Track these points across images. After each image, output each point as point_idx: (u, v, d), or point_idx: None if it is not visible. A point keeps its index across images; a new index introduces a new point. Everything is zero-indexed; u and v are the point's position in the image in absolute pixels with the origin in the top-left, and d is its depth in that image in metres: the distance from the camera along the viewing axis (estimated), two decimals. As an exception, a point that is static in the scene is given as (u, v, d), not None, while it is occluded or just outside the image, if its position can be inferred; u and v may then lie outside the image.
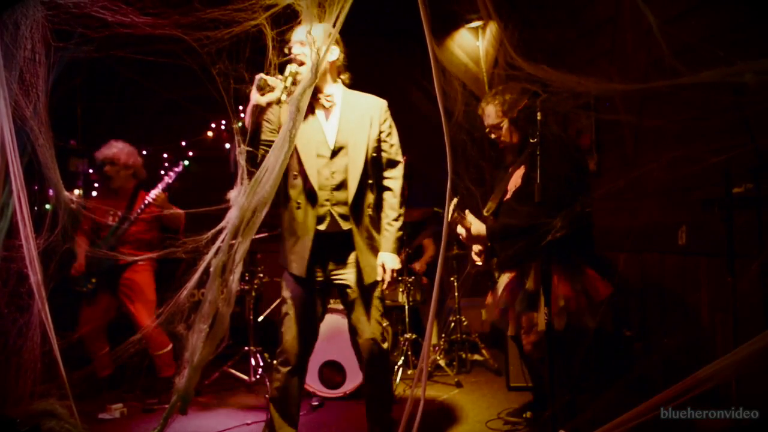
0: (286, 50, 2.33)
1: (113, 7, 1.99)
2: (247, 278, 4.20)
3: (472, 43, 5.39)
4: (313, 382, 3.69)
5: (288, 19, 2.13)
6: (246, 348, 4.18)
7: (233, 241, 1.94)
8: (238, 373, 4.14)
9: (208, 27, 2.05)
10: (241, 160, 2.15)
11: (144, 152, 4.41)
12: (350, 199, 2.53)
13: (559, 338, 2.43)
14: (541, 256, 2.28)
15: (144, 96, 4.49)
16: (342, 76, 2.66)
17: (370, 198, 2.62)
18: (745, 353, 1.32)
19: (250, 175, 2.02)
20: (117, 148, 3.83)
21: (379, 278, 2.55)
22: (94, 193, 5.22)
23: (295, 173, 2.55)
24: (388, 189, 2.67)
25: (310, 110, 2.58)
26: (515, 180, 2.77)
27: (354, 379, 3.70)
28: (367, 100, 2.66)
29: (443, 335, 4.62)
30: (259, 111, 2.38)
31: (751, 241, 2.25)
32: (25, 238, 2.17)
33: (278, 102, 2.30)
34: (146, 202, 3.66)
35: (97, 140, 3.99)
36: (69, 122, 5.29)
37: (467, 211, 2.74)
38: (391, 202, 2.65)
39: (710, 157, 2.04)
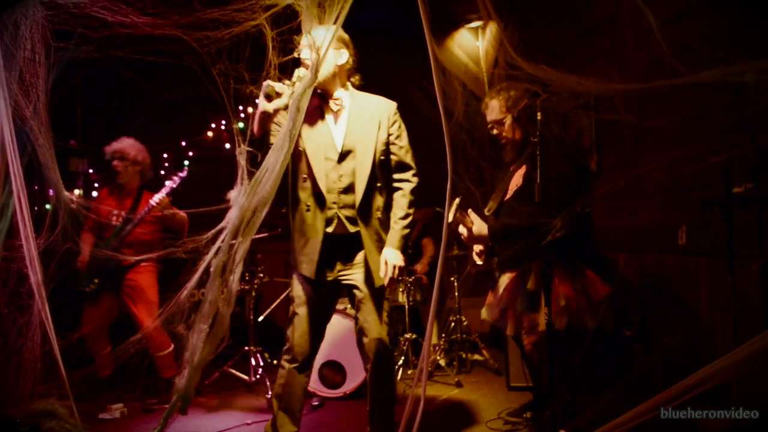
0: (296, 54, 2.32)
1: (113, 7, 1.99)
2: (247, 278, 4.20)
3: (472, 43, 5.39)
4: (313, 382, 3.69)
5: (288, 19, 2.13)
6: (246, 348, 4.18)
7: (233, 241, 1.95)
8: (238, 373, 4.14)
9: (208, 27, 2.05)
10: (242, 160, 2.15)
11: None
12: (358, 203, 2.54)
13: (559, 338, 2.43)
14: (542, 256, 2.28)
15: (144, 96, 4.49)
16: (352, 79, 2.65)
17: (379, 201, 2.62)
18: (745, 353, 1.33)
19: (251, 175, 2.03)
20: (127, 144, 3.84)
21: (381, 274, 2.55)
22: (95, 194, 5.22)
23: (305, 176, 2.57)
24: (399, 189, 2.66)
25: (320, 114, 2.60)
26: (516, 179, 2.77)
27: (354, 379, 3.71)
28: (376, 102, 2.65)
29: (443, 335, 4.62)
30: (267, 118, 2.38)
31: (751, 241, 2.25)
32: (25, 238, 2.18)
33: (286, 108, 2.29)
34: (150, 205, 3.66)
35: (97, 140, 3.99)
36: (69, 122, 5.29)
37: (470, 211, 2.74)
38: (401, 201, 2.64)
39: (710, 157, 2.04)
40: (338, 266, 2.61)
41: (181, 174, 3.73)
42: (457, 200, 2.63)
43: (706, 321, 2.93)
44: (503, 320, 2.80)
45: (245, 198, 1.96)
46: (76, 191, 5.21)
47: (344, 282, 2.63)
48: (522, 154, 2.81)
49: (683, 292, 3.14)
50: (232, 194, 2.06)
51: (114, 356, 3.66)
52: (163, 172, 5.12)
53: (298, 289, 2.64)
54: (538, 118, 2.38)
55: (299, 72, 2.31)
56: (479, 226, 2.74)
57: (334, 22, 2.03)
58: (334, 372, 3.74)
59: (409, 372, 4.34)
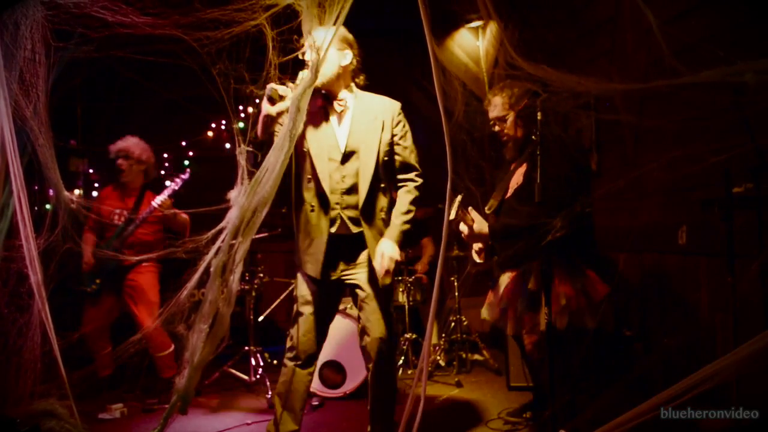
0: (300, 56, 2.32)
1: (113, 7, 1.99)
2: (247, 278, 4.20)
3: (472, 43, 5.39)
4: (313, 382, 3.68)
5: (288, 19, 2.13)
6: (246, 348, 4.18)
7: (233, 241, 1.95)
8: (238, 373, 4.14)
9: (208, 27, 2.05)
10: (242, 160, 2.15)
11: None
12: (361, 203, 2.55)
13: (560, 338, 2.43)
14: (542, 256, 2.28)
15: (144, 96, 4.49)
16: (356, 79, 2.65)
17: (383, 202, 2.63)
18: (745, 353, 1.33)
19: (251, 175, 2.03)
20: (132, 142, 3.85)
21: (377, 266, 2.52)
22: (95, 194, 5.22)
23: (309, 177, 2.59)
24: (403, 187, 2.66)
25: (324, 115, 2.61)
26: (517, 177, 2.77)
27: (354, 379, 3.71)
28: (380, 102, 2.65)
29: (443, 335, 4.62)
30: (271, 121, 2.38)
31: (751, 241, 2.25)
32: (25, 238, 2.18)
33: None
34: (151, 207, 3.66)
35: (97, 140, 3.99)
36: (69, 122, 5.29)
37: (470, 208, 2.75)
38: (404, 197, 2.63)
39: (710, 157, 2.03)
40: (342, 266, 2.62)
41: (183, 176, 3.73)
42: (459, 197, 2.63)
43: (706, 321, 2.93)
44: (503, 320, 2.80)
45: (245, 198, 1.96)
46: (76, 191, 5.21)
47: (347, 281, 2.64)
48: (523, 152, 2.81)
49: (683, 292, 3.14)
50: (232, 194, 2.06)
51: (114, 356, 3.66)
52: (163, 172, 5.12)
53: (302, 289, 2.65)
54: (538, 118, 2.38)
55: (303, 74, 2.31)
56: (480, 224, 2.74)
57: (334, 23, 2.03)
58: (334, 372, 3.74)
59: (409, 372, 4.34)
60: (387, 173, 2.63)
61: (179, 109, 4.30)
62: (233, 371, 4.17)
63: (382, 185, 2.62)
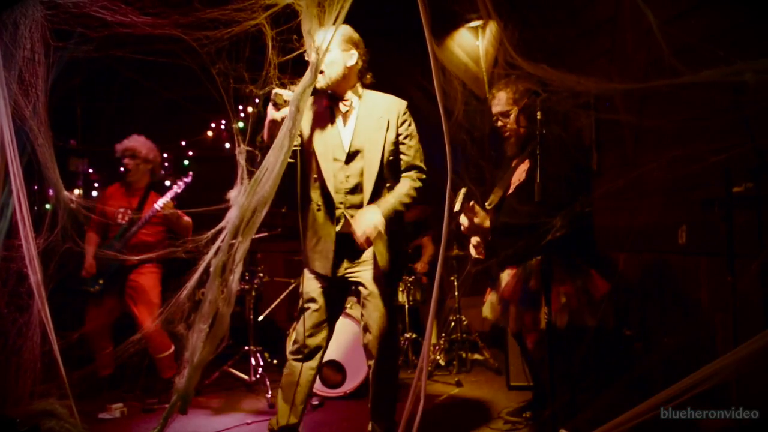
0: (305, 57, 2.32)
1: (113, 7, 1.99)
2: (247, 278, 4.20)
3: (472, 43, 5.38)
4: (313, 382, 3.69)
5: (288, 19, 2.13)
6: (246, 348, 4.18)
7: (233, 241, 1.95)
8: (238, 373, 4.14)
9: (208, 27, 2.05)
10: (242, 160, 2.16)
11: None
12: (365, 202, 2.55)
13: (560, 337, 2.43)
14: (542, 255, 2.28)
15: (144, 96, 4.49)
16: (363, 79, 2.64)
17: None
18: (745, 353, 1.33)
19: (251, 174, 2.03)
20: (139, 142, 3.85)
21: (357, 230, 2.46)
22: (95, 194, 5.22)
23: (315, 176, 2.60)
24: (406, 178, 2.63)
25: (330, 115, 2.61)
26: (519, 174, 2.77)
27: (354, 378, 3.71)
28: (386, 101, 2.65)
29: (443, 335, 4.62)
30: (276, 126, 2.38)
31: (751, 240, 2.25)
32: (25, 238, 2.18)
33: None
34: (154, 209, 3.66)
35: (97, 140, 3.99)
36: (69, 122, 5.29)
37: (472, 203, 2.75)
38: (406, 182, 2.61)
39: (710, 157, 2.04)
40: (346, 263, 2.63)
41: (186, 179, 3.74)
42: (464, 190, 2.64)
43: (706, 321, 2.93)
44: (504, 318, 2.80)
45: (245, 198, 1.96)
46: (76, 191, 5.21)
47: (351, 279, 2.65)
48: (525, 148, 2.81)
49: (683, 291, 3.14)
50: (232, 194, 2.06)
51: (114, 356, 3.66)
52: (162, 172, 5.12)
53: (308, 285, 2.66)
54: (538, 117, 2.38)
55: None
56: (483, 218, 2.75)
57: (334, 22, 2.03)
58: (334, 372, 3.74)
59: (409, 371, 4.34)
60: (392, 173, 2.64)
61: (179, 109, 4.29)
62: (233, 371, 4.17)
63: (387, 185, 2.62)
